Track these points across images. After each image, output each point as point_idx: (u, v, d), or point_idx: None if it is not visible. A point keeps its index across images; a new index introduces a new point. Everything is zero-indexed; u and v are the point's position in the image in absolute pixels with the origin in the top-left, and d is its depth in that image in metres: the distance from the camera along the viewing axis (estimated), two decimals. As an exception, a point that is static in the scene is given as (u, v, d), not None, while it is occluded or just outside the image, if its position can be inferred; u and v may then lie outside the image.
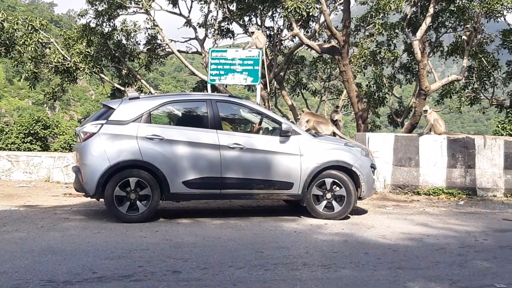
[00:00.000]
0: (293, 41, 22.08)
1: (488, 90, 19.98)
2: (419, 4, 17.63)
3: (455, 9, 18.62)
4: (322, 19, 18.87)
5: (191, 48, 22.36)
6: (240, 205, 10.35)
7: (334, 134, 11.52)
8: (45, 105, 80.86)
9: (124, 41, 19.97)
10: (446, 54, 20.30)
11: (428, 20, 15.71)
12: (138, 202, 8.07)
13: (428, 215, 9.62)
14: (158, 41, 20.60)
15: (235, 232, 7.55)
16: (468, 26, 17.38)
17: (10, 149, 17.72)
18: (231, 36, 21.95)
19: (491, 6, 17.03)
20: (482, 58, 18.54)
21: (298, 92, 25.07)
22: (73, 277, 5.04)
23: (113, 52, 19.56)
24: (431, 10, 15.61)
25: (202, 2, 20.98)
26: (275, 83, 22.36)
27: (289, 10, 15.28)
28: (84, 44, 18.55)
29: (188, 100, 9.24)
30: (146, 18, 19.74)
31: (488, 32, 19.34)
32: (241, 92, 45.25)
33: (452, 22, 19.75)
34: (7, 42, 18.04)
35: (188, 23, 20.99)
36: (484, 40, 19.09)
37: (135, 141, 8.07)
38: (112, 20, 19.54)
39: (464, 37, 17.31)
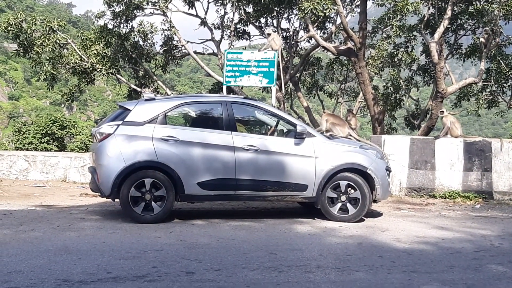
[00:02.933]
0: (309, 42, 22.08)
1: (507, 93, 19.80)
2: (436, 6, 17.53)
3: (473, 11, 18.49)
4: (338, 20, 18.82)
5: (207, 49, 22.44)
6: (255, 207, 10.37)
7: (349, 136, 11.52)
8: (62, 105, 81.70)
9: (141, 42, 20.06)
10: (464, 56, 20.15)
11: (446, 22, 15.62)
12: (153, 202, 8.11)
13: (444, 218, 9.57)
14: (175, 42, 20.66)
15: (249, 233, 7.56)
16: (486, 28, 17.24)
17: (27, 149, 17.90)
18: (247, 37, 21.97)
19: (510, 8, 16.91)
20: (501, 61, 18.38)
21: (314, 94, 24.99)
22: (88, 277, 5.07)
23: (130, 53, 19.65)
24: (448, 13, 15.51)
25: (219, 4, 21.03)
26: (291, 84, 22.35)
27: (305, 12, 15.27)
28: (102, 45, 18.64)
29: (203, 102, 9.26)
30: (163, 20, 19.86)
31: (507, 35, 19.19)
32: (257, 94, 45.21)
33: (471, 24, 19.61)
34: (26, 42, 18.19)
35: (204, 24, 21.05)
36: (503, 43, 18.94)
37: (150, 142, 8.12)
38: (129, 22, 19.65)
39: (482, 39, 17.19)
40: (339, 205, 8.70)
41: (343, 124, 11.90)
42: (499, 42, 17.91)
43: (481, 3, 18.20)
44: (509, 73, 18.62)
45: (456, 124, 12.84)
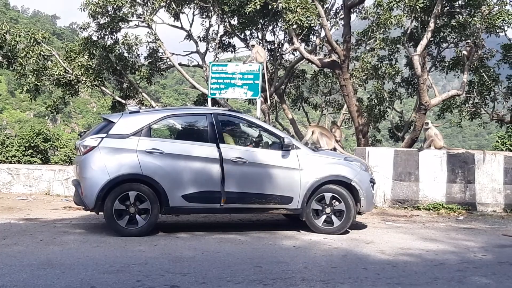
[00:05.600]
0: (293, 55, 22.17)
1: (489, 104, 20.01)
2: (419, 19, 17.71)
3: (456, 24, 18.71)
4: (322, 33, 18.96)
5: (192, 61, 22.42)
6: (240, 219, 10.35)
7: (334, 149, 11.57)
8: (46, 118, 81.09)
9: (125, 54, 20.00)
10: (447, 69, 20.35)
11: (429, 35, 15.77)
12: (137, 216, 8.08)
13: (428, 230, 9.62)
14: (160, 54, 20.62)
15: (234, 246, 7.55)
16: (468, 41, 17.45)
17: (10, 162, 17.72)
18: (232, 50, 22.03)
19: (492, 21, 17.13)
20: (483, 73, 18.59)
21: (299, 106, 25.09)
22: (71, 292, 5.04)
23: (115, 65, 19.59)
24: (431, 25, 15.66)
25: (204, 16, 21.08)
26: (276, 96, 22.40)
27: (290, 23, 15.36)
28: (86, 57, 18.59)
29: (188, 114, 9.28)
30: (148, 32, 19.82)
31: (489, 47, 19.42)
32: (242, 106, 45.32)
33: (454, 37, 19.83)
34: (9, 54, 18.11)
35: (190, 36, 21.07)
36: (485, 55, 19.16)
37: (135, 155, 8.09)
38: (114, 33, 19.58)
39: (464, 52, 17.38)
40: (323, 217, 8.71)
41: (330, 136, 11.98)
42: (481, 55, 18.13)
43: (464, 16, 18.42)
44: (491, 85, 18.84)
45: (439, 136, 12.96)
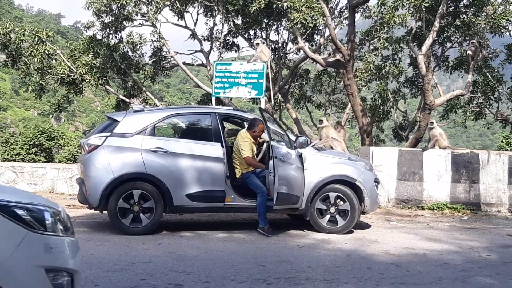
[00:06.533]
0: (297, 54, 22.13)
1: (493, 105, 19.96)
2: (424, 18, 17.68)
3: (460, 24, 18.66)
4: (327, 32, 18.92)
5: (196, 61, 22.40)
6: (244, 218, 10.35)
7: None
8: (50, 116, 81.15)
9: (130, 53, 20.00)
10: (451, 69, 20.30)
11: (434, 34, 15.74)
12: (141, 214, 8.09)
13: (432, 230, 9.60)
14: (164, 53, 20.63)
15: (237, 245, 7.55)
16: (473, 41, 17.40)
17: (15, 160, 17.77)
18: (236, 49, 21.99)
19: (496, 21, 17.09)
20: (487, 73, 18.54)
21: (303, 105, 25.07)
22: (75, 290, 5.03)
23: (119, 64, 19.59)
24: (436, 25, 15.63)
25: (208, 16, 21.07)
26: (280, 96, 22.38)
27: (294, 22, 15.35)
28: (90, 55, 18.60)
29: (192, 113, 9.28)
30: (152, 31, 19.80)
31: (493, 47, 19.36)
32: (246, 105, 45.29)
33: (458, 36, 19.78)
34: (14, 53, 18.13)
35: (194, 35, 21.06)
36: (489, 55, 19.10)
37: (139, 154, 8.09)
38: (118, 32, 19.58)
39: (469, 52, 17.31)
40: (328, 216, 8.69)
41: (340, 139, 12.05)
42: (485, 55, 18.07)
43: (468, 16, 18.38)
44: (496, 85, 18.79)
45: (444, 135, 12.94)
